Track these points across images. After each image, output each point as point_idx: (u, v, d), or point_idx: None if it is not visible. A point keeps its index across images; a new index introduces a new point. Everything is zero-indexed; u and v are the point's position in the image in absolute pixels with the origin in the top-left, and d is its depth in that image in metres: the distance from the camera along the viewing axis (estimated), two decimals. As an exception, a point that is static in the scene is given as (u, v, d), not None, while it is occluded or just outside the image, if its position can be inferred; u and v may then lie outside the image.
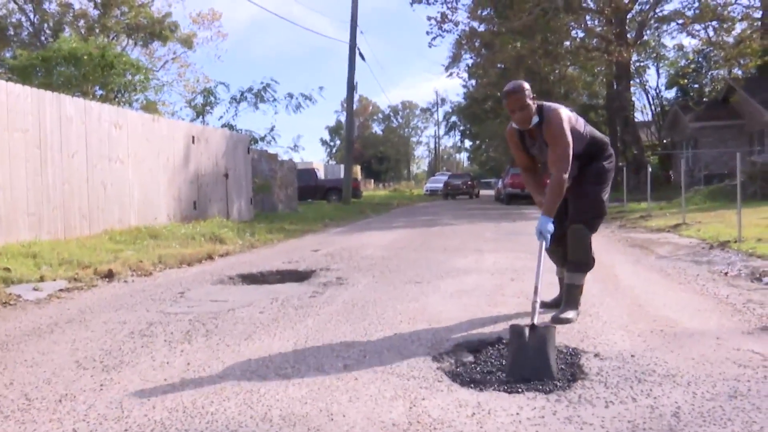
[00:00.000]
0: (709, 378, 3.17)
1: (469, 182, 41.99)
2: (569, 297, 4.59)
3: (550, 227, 4.16)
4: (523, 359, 3.33)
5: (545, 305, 4.62)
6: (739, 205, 9.53)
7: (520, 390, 3.05)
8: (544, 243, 4.14)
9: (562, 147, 4.29)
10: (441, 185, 47.60)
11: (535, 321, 3.63)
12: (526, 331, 3.47)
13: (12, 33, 34.13)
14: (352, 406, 2.89)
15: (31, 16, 34.32)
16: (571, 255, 4.58)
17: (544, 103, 4.54)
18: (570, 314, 4.47)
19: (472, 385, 3.14)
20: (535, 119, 4.40)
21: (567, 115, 4.44)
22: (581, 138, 4.53)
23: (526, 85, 4.45)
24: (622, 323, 4.40)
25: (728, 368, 3.32)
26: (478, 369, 3.40)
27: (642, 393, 2.98)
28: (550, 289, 5.03)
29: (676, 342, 3.86)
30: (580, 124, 4.60)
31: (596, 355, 3.59)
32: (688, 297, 5.38)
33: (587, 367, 3.38)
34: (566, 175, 4.29)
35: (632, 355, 3.58)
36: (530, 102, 4.36)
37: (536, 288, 3.92)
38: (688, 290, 5.72)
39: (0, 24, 32.87)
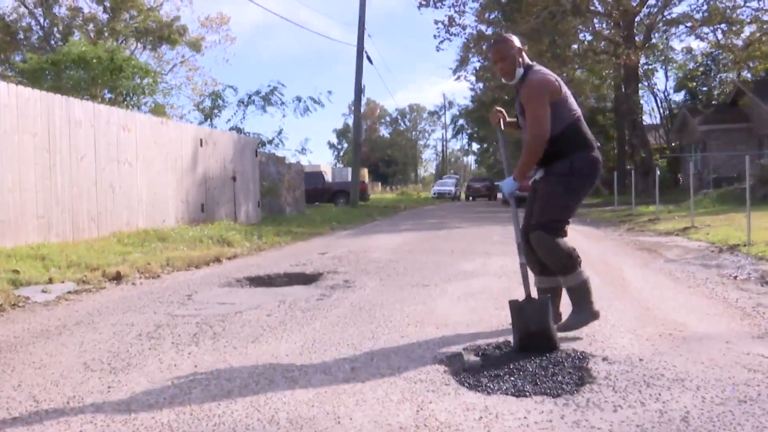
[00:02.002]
0: (718, 382, 3.15)
1: (489, 186, 47.10)
2: (572, 300, 4.17)
3: (514, 188, 4.21)
4: (527, 335, 3.74)
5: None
6: (748, 208, 9.48)
7: (527, 393, 3.04)
8: (515, 212, 4.27)
9: (537, 107, 4.05)
10: (449, 188, 49.22)
11: (530, 289, 3.98)
12: (525, 304, 3.82)
13: (22, 37, 34.30)
14: (359, 410, 2.88)
15: (41, 20, 34.46)
16: (547, 263, 4.19)
17: (536, 65, 4.30)
18: (575, 319, 4.12)
19: (480, 389, 3.13)
20: (520, 72, 4.21)
21: (550, 85, 4.11)
22: (559, 118, 4.11)
23: (513, 39, 4.30)
24: (630, 327, 4.38)
25: (738, 372, 3.30)
26: (485, 372, 3.38)
27: (651, 397, 2.96)
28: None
29: (685, 346, 3.84)
30: (567, 104, 4.19)
31: (604, 359, 3.57)
32: (697, 300, 5.35)
33: (595, 370, 3.37)
34: (542, 139, 4.03)
35: (641, 359, 3.56)
36: (514, 54, 4.19)
37: (520, 247, 4.17)
38: (697, 294, 5.69)
39: (10, 28, 33.02)
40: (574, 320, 4.14)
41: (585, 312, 4.13)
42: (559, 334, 3.94)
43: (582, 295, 4.15)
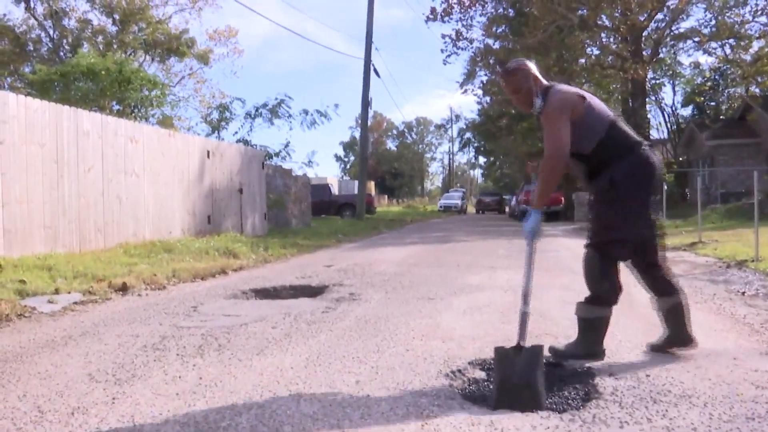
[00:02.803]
0: (726, 399, 3.13)
1: (498, 200, 50.17)
2: (579, 329, 3.96)
3: (536, 222, 3.66)
4: (510, 387, 3.14)
5: (652, 347, 4.08)
6: (756, 223, 9.45)
7: (533, 409, 3.02)
8: (533, 243, 3.67)
9: (552, 125, 3.70)
10: (455, 201, 50.18)
11: (524, 340, 3.41)
12: (512, 353, 3.28)
13: (32, 48, 34.56)
14: (364, 423, 2.87)
15: (51, 32, 34.74)
16: (586, 282, 3.97)
17: (555, 85, 3.93)
18: (572, 350, 3.89)
19: (485, 404, 3.11)
20: (538, 102, 3.84)
21: (569, 102, 3.77)
22: (591, 132, 3.78)
23: (526, 65, 3.94)
24: (637, 342, 4.35)
25: (746, 389, 3.27)
26: (491, 387, 3.36)
27: (657, 413, 2.94)
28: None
29: (693, 362, 3.81)
30: (595, 115, 3.82)
31: (611, 375, 3.55)
32: (704, 316, 5.32)
33: (602, 386, 3.35)
34: (558, 158, 3.66)
35: (647, 375, 3.54)
36: (530, 86, 3.87)
37: (525, 295, 3.57)
38: (705, 309, 5.66)
39: (20, 39, 33.29)
40: (572, 351, 3.89)
41: (587, 347, 3.87)
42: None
43: (593, 331, 3.88)
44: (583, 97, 3.85)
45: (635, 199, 3.79)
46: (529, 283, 3.59)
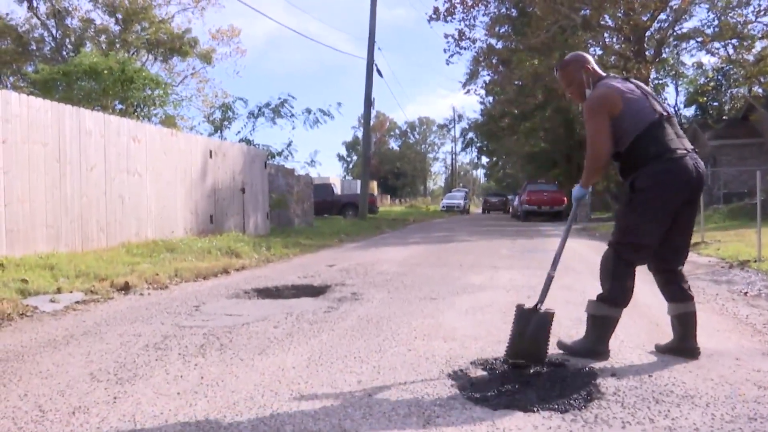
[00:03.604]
0: (728, 399, 3.12)
1: (503, 200, 52.10)
2: (588, 326, 4.00)
3: (581, 195, 4.01)
4: (521, 342, 3.66)
5: (658, 348, 4.10)
6: (759, 223, 9.42)
7: (535, 409, 3.01)
8: (572, 216, 4.11)
9: (591, 127, 3.79)
10: (458, 201, 50.95)
11: (543, 302, 3.77)
12: (528, 313, 3.71)
13: (34, 47, 34.57)
14: (366, 423, 2.86)
15: (54, 31, 34.76)
16: (600, 280, 4.02)
17: (603, 79, 3.98)
18: (579, 347, 3.95)
19: (487, 404, 3.10)
20: (588, 95, 3.95)
21: (607, 99, 3.79)
22: (624, 133, 3.78)
23: (581, 57, 4.09)
24: (639, 342, 4.34)
25: (748, 389, 3.27)
26: (492, 387, 3.36)
27: (660, 414, 2.93)
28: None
29: (695, 362, 3.81)
30: (631, 115, 3.77)
31: (613, 375, 3.55)
32: (706, 317, 5.30)
33: (604, 386, 3.34)
34: (597, 161, 3.79)
35: (650, 375, 3.54)
36: (581, 78, 4.01)
37: (555, 260, 3.95)
38: (707, 310, 5.65)
39: (22, 39, 33.31)
40: (578, 347, 3.96)
41: (592, 345, 3.92)
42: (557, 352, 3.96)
43: (599, 329, 3.92)
44: (622, 94, 3.82)
45: (653, 207, 3.77)
46: (562, 249, 3.99)
